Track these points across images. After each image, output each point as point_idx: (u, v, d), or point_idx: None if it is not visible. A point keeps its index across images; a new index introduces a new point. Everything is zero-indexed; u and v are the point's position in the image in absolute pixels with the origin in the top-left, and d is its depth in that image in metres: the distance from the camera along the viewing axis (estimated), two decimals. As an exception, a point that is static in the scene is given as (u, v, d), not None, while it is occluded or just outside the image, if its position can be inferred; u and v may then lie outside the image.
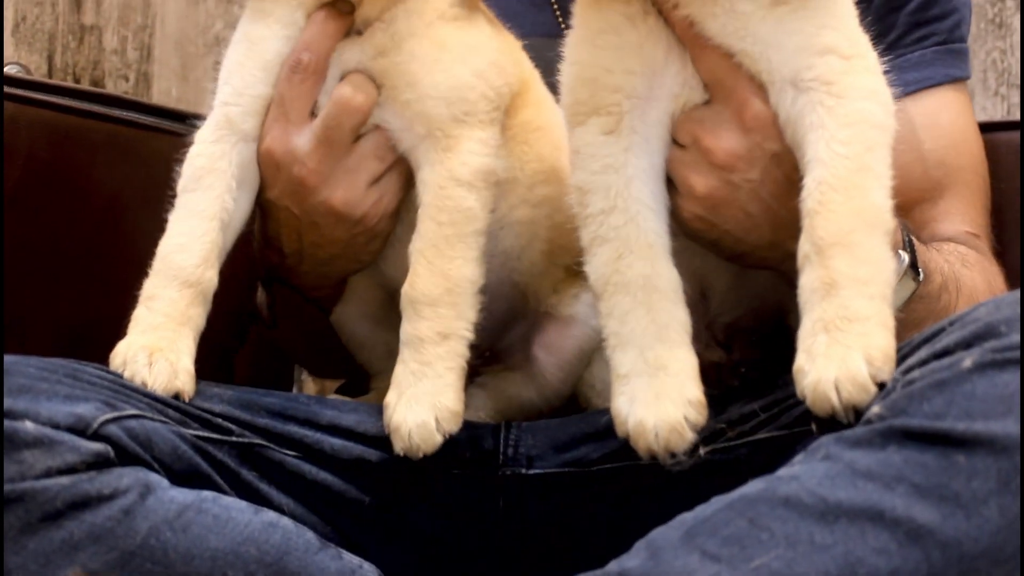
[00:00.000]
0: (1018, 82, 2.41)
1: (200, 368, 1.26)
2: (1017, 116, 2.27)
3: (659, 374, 1.15)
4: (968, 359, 0.97)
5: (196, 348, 1.27)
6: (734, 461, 1.19)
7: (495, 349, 1.42)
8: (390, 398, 1.25)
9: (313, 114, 1.32)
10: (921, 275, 1.26)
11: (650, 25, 1.21)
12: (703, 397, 1.15)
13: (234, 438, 1.23)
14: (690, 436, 1.13)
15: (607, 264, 1.20)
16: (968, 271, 1.39)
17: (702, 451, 1.16)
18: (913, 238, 1.28)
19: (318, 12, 1.31)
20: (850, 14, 1.21)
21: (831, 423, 1.04)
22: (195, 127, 1.36)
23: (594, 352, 1.40)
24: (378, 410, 1.27)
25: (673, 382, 1.15)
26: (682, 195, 1.22)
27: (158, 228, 1.32)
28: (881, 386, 1.03)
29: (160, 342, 1.23)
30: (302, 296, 1.47)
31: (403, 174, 1.34)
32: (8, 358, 1.13)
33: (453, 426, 1.24)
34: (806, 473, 0.99)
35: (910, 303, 1.26)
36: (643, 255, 1.19)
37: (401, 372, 1.26)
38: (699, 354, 1.21)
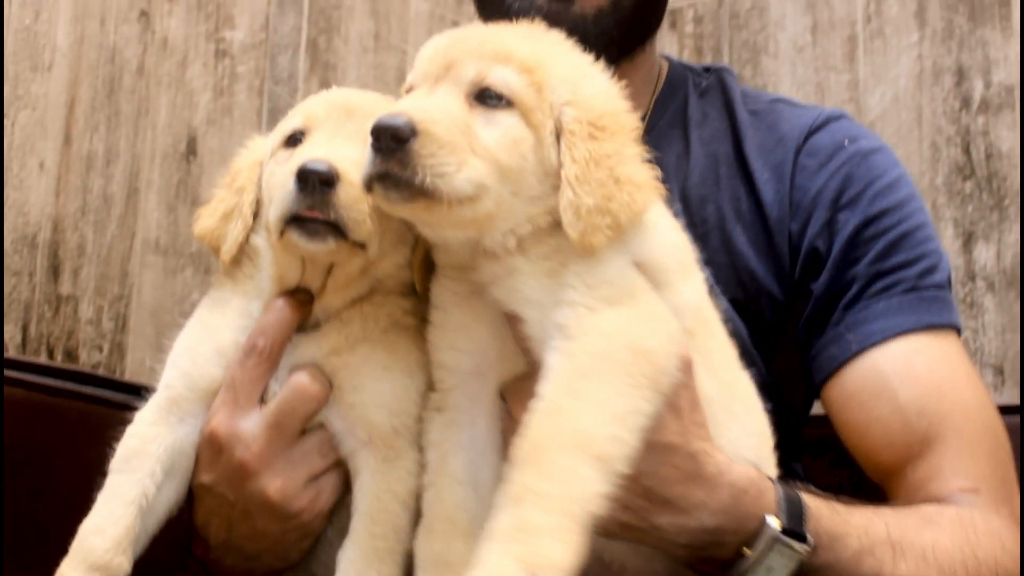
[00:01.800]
0: (992, 361, 2.42)
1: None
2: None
3: None
4: None
5: None
6: None
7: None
8: None
9: (262, 401, 1.33)
10: (810, 541, 1.23)
11: (473, 304, 1.26)
12: None
13: None
14: None
15: (419, 539, 1.25)
16: (931, 531, 1.34)
17: None
18: (812, 503, 1.26)
19: (277, 299, 1.33)
20: (616, 265, 1.23)
21: None
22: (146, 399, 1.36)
23: None
24: None
25: None
26: None
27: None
28: None
29: None
30: None
31: (342, 476, 1.35)
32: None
33: None
34: None
35: (816, 571, 1.24)
36: (441, 531, 1.23)
37: None
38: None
